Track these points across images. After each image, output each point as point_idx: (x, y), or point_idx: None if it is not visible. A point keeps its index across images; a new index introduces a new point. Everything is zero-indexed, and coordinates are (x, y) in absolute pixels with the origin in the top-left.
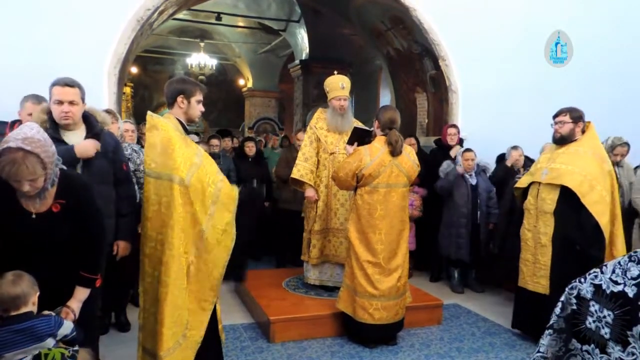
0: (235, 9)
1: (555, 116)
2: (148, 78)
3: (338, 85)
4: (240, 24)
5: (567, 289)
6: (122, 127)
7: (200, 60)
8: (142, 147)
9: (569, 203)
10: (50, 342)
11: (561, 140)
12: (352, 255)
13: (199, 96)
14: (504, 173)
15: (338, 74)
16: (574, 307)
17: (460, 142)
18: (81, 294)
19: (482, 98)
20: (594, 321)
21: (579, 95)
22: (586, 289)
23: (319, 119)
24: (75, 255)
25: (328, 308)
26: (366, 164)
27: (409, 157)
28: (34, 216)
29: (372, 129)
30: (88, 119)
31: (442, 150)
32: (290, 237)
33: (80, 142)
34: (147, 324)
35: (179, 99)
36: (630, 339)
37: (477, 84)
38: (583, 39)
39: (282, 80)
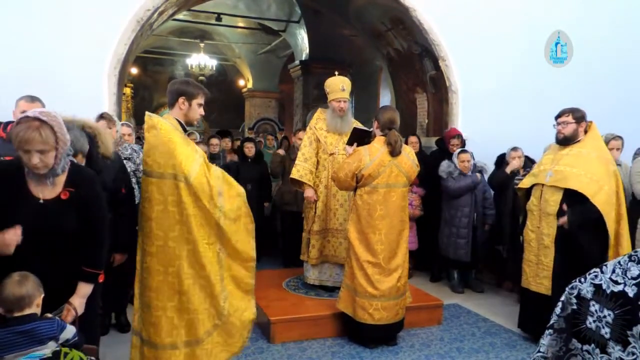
0: (235, 10)
1: (557, 117)
2: (148, 79)
3: (338, 86)
4: (240, 24)
5: (567, 289)
6: (120, 131)
7: (200, 60)
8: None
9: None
10: (51, 345)
11: (564, 141)
12: (352, 256)
13: (200, 100)
14: (504, 178)
15: (338, 74)
16: (574, 306)
17: (463, 143)
18: (84, 289)
19: (482, 98)
20: (594, 321)
21: (579, 95)
22: (586, 289)
23: (319, 120)
24: (79, 250)
25: (328, 308)
26: (366, 165)
27: (409, 157)
28: (41, 201)
29: (371, 129)
30: (91, 156)
31: (443, 153)
32: (291, 238)
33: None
34: (160, 320)
35: (181, 100)
36: (631, 339)
37: (477, 84)
38: (583, 39)
39: (282, 81)
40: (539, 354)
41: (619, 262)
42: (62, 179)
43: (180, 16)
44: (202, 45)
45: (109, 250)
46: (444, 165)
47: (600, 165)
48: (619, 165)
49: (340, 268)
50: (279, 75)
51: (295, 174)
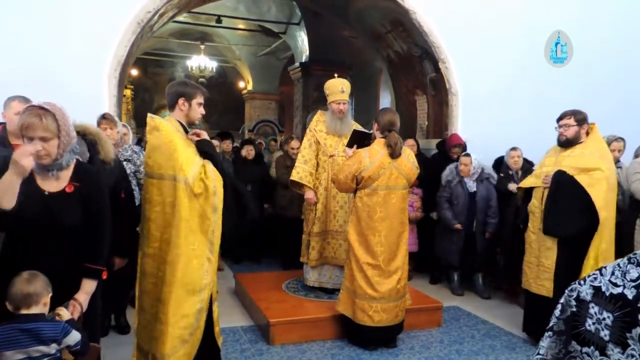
0: (236, 12)
1: (559, 119)
2: (148, 80)
3: (338, 89)
4: (241, 26)
5: (566, 291)
6: (121, 131)
7: (201, 62)
8: (144, 148)
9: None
10: (53, 347)
11: (567, 144)
12: (351, 258)
13: (199, 99)
14: (504, 191)
15: (338, 76)
16: (574, 309)
17: (464, 147)
18: (88, 286)
19: (482, 100)
20: (593, 323)
21: (579, 95)
22: (585, 291)
23: (319, 122)
24: (82, 246)
25: (328, 310)
26: (366, 167)
27: (408, 159)
28: (46, 193)
29: (371, 131)
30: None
31: (444, 157)
32: (289, 240)
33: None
34: (147, 325)
35: (180, 101)
36: (630, 341)
37: (477, 86)
38: (583, 39)
39: (282, 83)
40: (538, 356)
41: (618, 265)
42: (67, 173)
43: (180, 18)
44: (202, 47)
45: (109, 253)
46: (446, 172)
47: (602, 165)
48: (619, 167)
49: (340, 270)
50: (278, 77)
51: (295, 175)
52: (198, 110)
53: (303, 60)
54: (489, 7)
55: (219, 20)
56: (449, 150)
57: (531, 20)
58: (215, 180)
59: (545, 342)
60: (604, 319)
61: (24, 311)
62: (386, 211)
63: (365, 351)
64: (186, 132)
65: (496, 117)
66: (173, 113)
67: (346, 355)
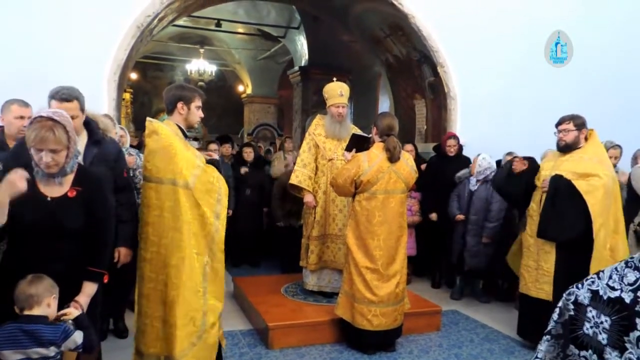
0: (235, 16)
1: (557, 124)
2: (148, 84)
3: (337, 92)
4: (240, 30)
5: (564, 295)
6: (118, 133)
7: (200, 66)
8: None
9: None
10: (52, 350)
11: (566, 148)
12: (350, 262)
13: (198, 102)
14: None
15: (337, 80)
16: (572, 312)
17: (460, 148)
18: (89, 288)
19: (481, 104)
20: (591, 327)
21: (579, 95)
22: (583, 295)
23: (318, 125)
24: (84, 250)
25: (327, 314)
26: (364, 171)
27: (407, 164)
28: (49, 199)
29: (370, 135)
30: (90, 125)
31: (441, 159)
32: (288, 244)
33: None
34: (147, 328)
35: (179, 105)
36: (628, 345)
37: (476, 90)
38: (583, 39)
39: (281, 87)
40: None
41: (616, 268)
42: (70, 178)
43: (180, 22)
44: (201, 50)
45: (114, 245)
46: (463, 170)
47: (601, 170)
48: (615, 171)
49: (339, 274)
50: (278, 81)
51: (294, 179)
52: (197, 114)
53: (302, 64)
54: (488, 7)
55: (218, 24)
56: (444, 145)
57: (531, 20)
58: (221, 187)
59: (543, 345)
60: (601, 322)
61: (27, 312)
62: (385, 215)
63: (364, 355)
64: (185, 135)
65: (495, 120)
66: (172, 117)
67: (345, 359)
